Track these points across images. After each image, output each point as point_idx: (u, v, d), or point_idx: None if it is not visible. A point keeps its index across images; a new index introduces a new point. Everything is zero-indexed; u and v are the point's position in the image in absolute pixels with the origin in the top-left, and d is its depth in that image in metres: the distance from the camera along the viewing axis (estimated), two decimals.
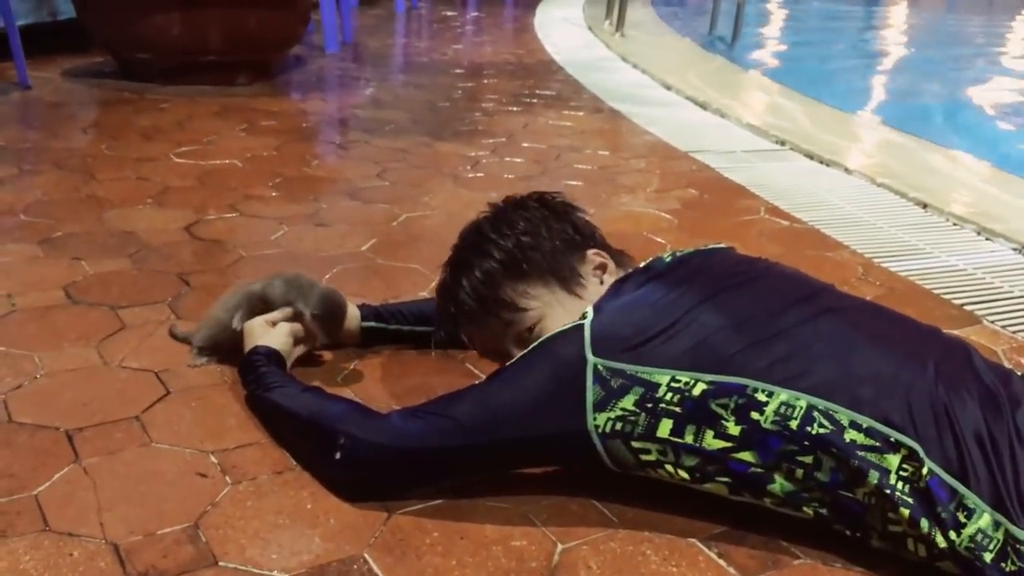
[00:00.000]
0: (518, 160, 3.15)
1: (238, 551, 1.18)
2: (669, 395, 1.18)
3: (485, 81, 4.69)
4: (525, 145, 3.36)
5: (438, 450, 1.26)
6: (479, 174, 2.97)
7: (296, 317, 1.61)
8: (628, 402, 1.20)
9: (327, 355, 1.72)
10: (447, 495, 1.31)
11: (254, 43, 4.26)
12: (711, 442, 1.18)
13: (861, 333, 1.23)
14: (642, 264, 1.42)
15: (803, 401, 1.15)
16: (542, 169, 3.05)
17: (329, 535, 1.22)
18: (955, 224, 2.58)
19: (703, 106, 4.08)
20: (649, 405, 1.19)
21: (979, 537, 1.08)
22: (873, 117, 4.52)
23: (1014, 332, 1.92)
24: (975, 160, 3.37)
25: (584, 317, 1.26)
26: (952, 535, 1.09)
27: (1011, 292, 2.13)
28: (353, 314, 1.73)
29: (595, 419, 1.21)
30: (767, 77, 5.11)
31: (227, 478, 1.33)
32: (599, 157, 3.21)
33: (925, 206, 2.70)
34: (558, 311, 1.38)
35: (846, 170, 3.07)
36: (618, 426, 1.21)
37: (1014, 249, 2.39)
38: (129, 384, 1.59)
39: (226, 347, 1.64)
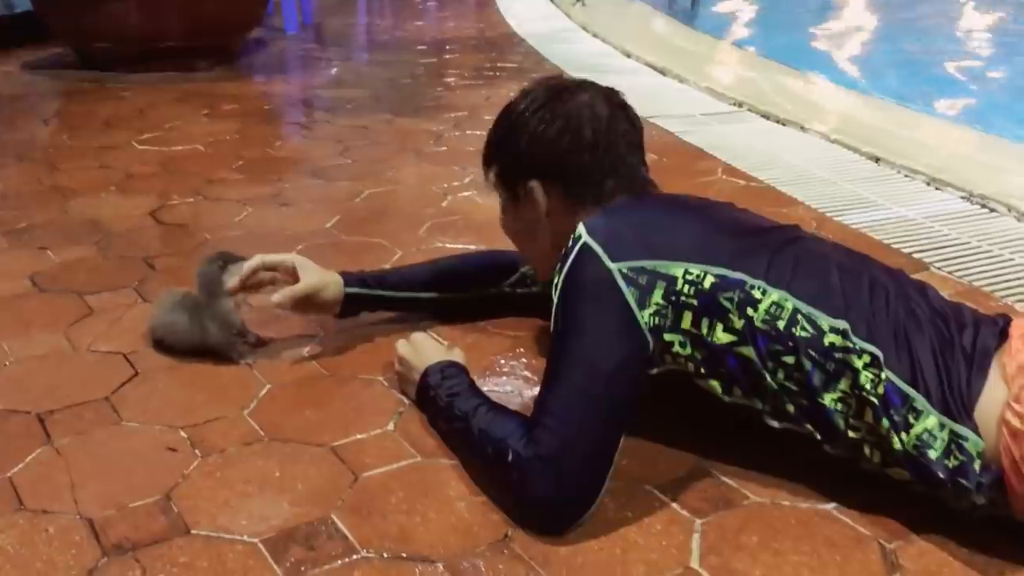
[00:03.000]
0: (480, 133, 3.16)
1: (209, 519, 1.22)
2: (686, 287, 1.24)
3: (447, 56, 4.71)
4: (487, 118, 3.36)
5: (577, 432, 1.22)
6: (441, 148, 3.00)
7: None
8: (658, 296, 1.24)
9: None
10: (411, 458, 1.36)
11: (213, 28, 4.26)
12: (720, 336, 1.24)
13: (833, 260, 1.30)
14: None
15: (790, 304, 1.22)
16: None
17: (297, 500, 1.26)
18: (906, 176, 2.64)
19: (663, 72, 4.11)
20: (673, 298, 1.24)
21: (925, 436, 1.14)
22: (830, 78, 4.56)
23: (960, 277, 1.98)
24: (927, 115, 3.45)
25: (578, 233, 1.29)
26: (903, 435, 1.15)
27: (958, 239, 2.20)
28: (335, 280, 1.71)
29: (643, 318, 1.24)
30: (727, 41, 5.14)
31: (196, 451, 1.37)
32: None
33: (877, 160, 2.76)
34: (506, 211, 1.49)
35: (802, 128, 3.12)
36: (656, 320, 1.25)
37: (962, 197, 2.45)
38: (98, 367, 1.62)
39: (168, 346, 1.67)
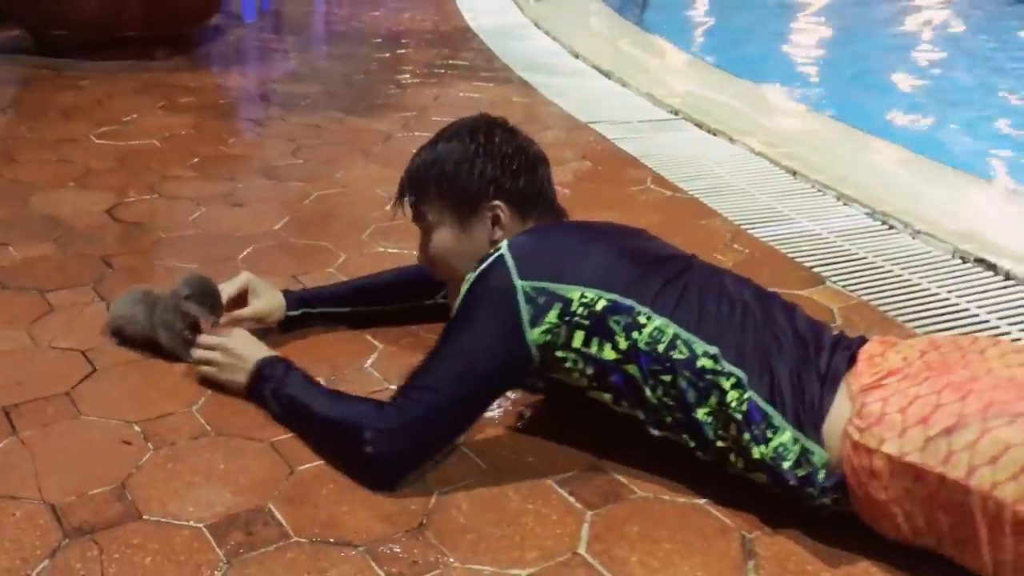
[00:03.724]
0: (428, 134, 3.31)
1: (160, 506, 1.38)
2: (580, 309, 1.42)
3: (401, 51, 4.84)
4: (435, 119, 3.53)
5: (436, 414, 1.44)
6: (390, 150, 3.15)
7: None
8: (553, 316, 1.42)
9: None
10: None
11: (172, 17, 4.35)
12: (607, 354, 1.42)
13: (713, 290, 1.48)
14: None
15: (671, 330, 1.40)
16: None
17: (239, 490, 1.43)
18: (819, 191, 2.84)
19: (607, 75, 4.29)
20: (567, 318, 1.42)
21: (780, 449, 1.34)
22: (775, 88, 4.74)
23: (851, 291, 2.19)
24: (855, 130, 3.62)
25: (499, 248, 1.47)
26: (762, 447, 1.34)
27: (856, 254, 2.40)
28: (279, 306, 1.87)
29: (532, 335, 1.43)
30: (674, 46, 5.31)
31: (149, 444, 1.53)
32: None
33: (795, 173, 2.96)
34: (446, 236, 1.61)
35: (730, 139, 3.31)
36: (547, 338, 1.43)
37: (866, 213, 2.66)
38: (59, 363, 1.77)
39: (127, 337, 1.81)
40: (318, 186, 2.76)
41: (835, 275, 2.28)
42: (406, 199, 1.67)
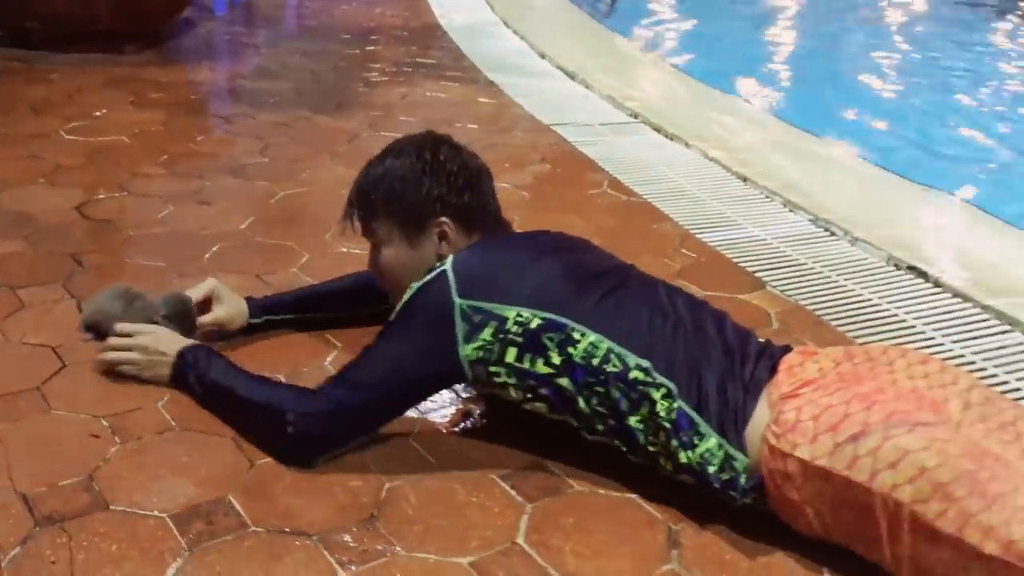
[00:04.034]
0: (394, 134, 3.39)
1: (126, 497, 1.48)
2: (515, 328, 1.52)
3: (370, 48, 4.90)
4: (401, 119, 3.62)
5: (360, 408, 1.57)
6: (355, 149, 3.23)
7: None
8: (487, 334, 1.53)
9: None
10: None
11: (143, 10, 4.39)
12: (541, 368, 1.52)
13: (648, 303, 1.58)
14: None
15: (604, 345, 1.50)
16: None
17: (201, 482, 1.52)
18: (767, 197, 2.96)
19: (572, 76, 4.39)
20: (501, 336, 1.52)
21: (706, 455, 1.45)
22: (732, 91, 4.77)
23: (789, 296, 2.31)
24: (805, 135, 3.74)
25: (443, 263, 1.56)
26: (689, 453, 1.45)
27: (797, 259, 2.52)
28: (241, 313, 1.95)
29: (465, 351, 1.53)
30: (640, 46, 5.40)
31: (116, 438, 1.62)
32: (468, 131, 3.50)
33: (745, 180, 3.08)
34: (394, 251, 1.70)
35: (686, 144, 3.42)
36: (480, 354, 1.54)
37: (810, 220, 2.78)
38: (30, 359, 1.85)
39: (103, 331, 1.88)
40: (284, 186, 2.84)
41: (776, 280, 2.40)
42: (355, 214, 1.75)
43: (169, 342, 1.77)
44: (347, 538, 1.42)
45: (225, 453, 1.60)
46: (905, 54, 6.47)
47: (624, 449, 1.53)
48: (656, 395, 1.47)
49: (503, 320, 1.51)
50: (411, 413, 1.71)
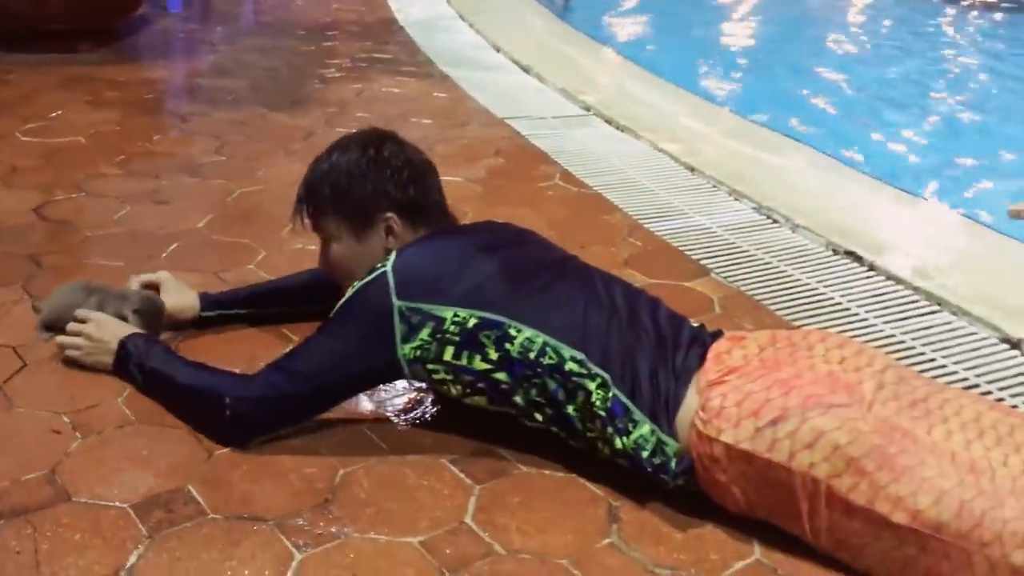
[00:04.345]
0: (349, 131, 3.45)
1: (88, 489, 1.53)
2: (452, 327, 1.59)
3: (326, 44, 4.94)
4: (357, 115, 3.68)
5: (296, 396, 1.64)
6: (310, 146, 3.28)
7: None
8: (425, 334, 1.59)
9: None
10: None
11: (98, 8, 4.40)
12: (478, 364, 1.59)
13: (585, 294, 1.66)
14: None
15: (540, 339, 1.57)
16: None
17: (160, 473, 1.58)
18: (714, 186, 3.06)
19: (526, 70, 4.46)
20: (439, 336, 1.59)
21: (640, 440, 1.53)
22: (692, 84, 4.81)
23: (731, 282, 2.40)
24: (753, 126, 3.83)
25: (385, 262, 1.62)
26: (624, 439, 1.53)
27: (740, 247, 2.62)
28: (192, 306, 2.01)
29: (403, 350, 1.60)
30: (595, 39, 5.47)
31: (77, 434, 1.67)
32: (422, 127, 3.57)
33: (693, 170, 3.17)
34: (343, 246, 1.76)
35: (636, 136, 3.51)
36: (418, 353, 1.60)
37: (754, 208, 2.88)
38: None
39: (61, 328, 1.92)
40: (241, 184, 2.89)
41: (719, 267, 2.49)
42: (304, 211, 1.81)
43: (114, 330, 1.83)
44: (302, 522, 1.48)
45: (183, 445, 1.65)
46: (860, 44, 6.59)
47: (563, 435, 1.61)
48: (591, 385, 1.54)
49: (441, 320, 1.58)
50: (364, 401, 1.79)
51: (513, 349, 1.57)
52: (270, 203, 2.74)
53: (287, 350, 1.69)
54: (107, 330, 1.84)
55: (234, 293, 2.10)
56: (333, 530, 1.47)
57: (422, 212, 1.76)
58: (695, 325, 1.71)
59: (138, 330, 1.85)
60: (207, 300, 2.04)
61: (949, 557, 1.35)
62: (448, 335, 1.58)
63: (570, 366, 1.55)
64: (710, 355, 1.59)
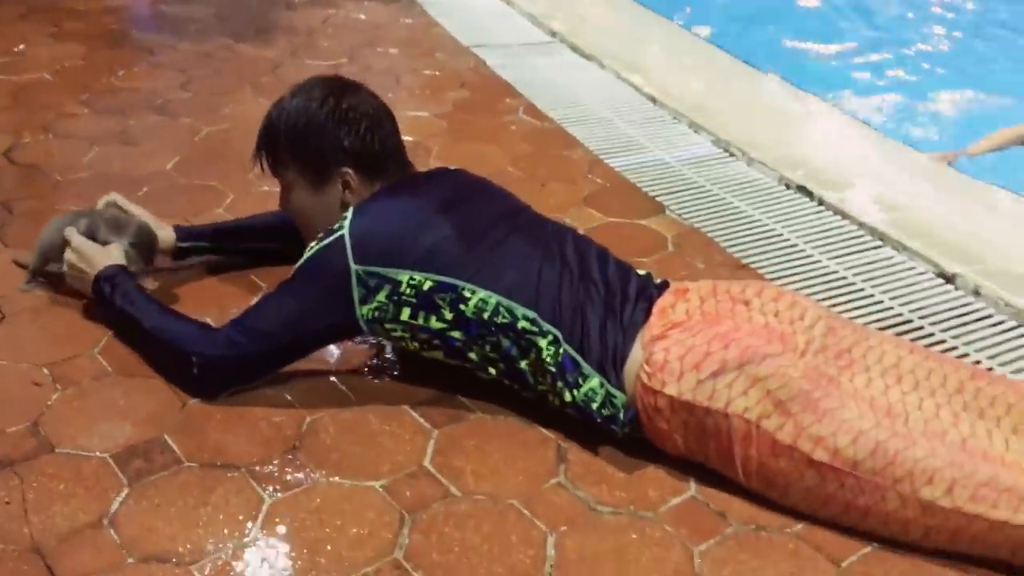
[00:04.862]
0: (316, 63, 3.48)
1: (70, 440, 1.63)
2: (408, 290, 1.67)
3: None
4: (324, 44, 3.68)
5: (260, 353, 1.73)
6: (278, 80, 3.30)
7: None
8: (382, 296, 1.68)
9: None
10: None
11: None
12: (434, 324, 1.69)
13: (537, 250, 1.73)
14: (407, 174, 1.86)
15: (494, 300, 1.66)
16: (334, 73, 3.40)
17: (137, 424, 1.68)
18: (675, 119, 3.11)
19: None
20: (395, 298, 1.67)
21: (590, 393, 1.63)
22: (654, 9, 4.62)
23: (686, 219, 2.49)
24: (722, 53, 3.80)
25: (343, 224, 1.68)
26: (574, 392, 1.64)
27: (696, 182, 2.69)
28: (167, 235, 2.08)
29: (361, 311, 1.69)
30: None
31: (57, 385, 1.77)
32: (389, 57, 3.58)
33: (655, 101, 3.22)
34: (301, 195, 1.83)
35: (601, 65, 3.54)
36: (376, 314, 1.69)
37: (712, 141, 2.95)
38: None
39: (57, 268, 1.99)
40: (207, 121, 2.92)
41: (675, 204, 2.57)
42: (263, 157, 1.86)
43: (92, 259, 1.89)
44: (271, 468, 1.60)
45: (158, 395, 1.75)
46: None
47: (516, 387, 1.72)
48: (542, 343, 1.64)
49: (397, 284, 1.66)
50: (332, 349, 1.88)
51: (467, 310, 1.66)
52: (237, 142, 2.77)
53: (250, 305, 1.77)
54: (86, 258, 1.89)
55: (207, 227, 2.17)
56: (300, 476, 1.59)
57: (379, 165, 1.81)
58: (642, 275, 1.80)
59: (115, 261, 1.89)
60: (181, 232, 2.10)
61: (864, 492, 1.48)
62: (404, 297, 1.67)
63: (522, 324, 1.65)
64: (655, 310, 1.68)
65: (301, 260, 1.72)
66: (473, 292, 1.66)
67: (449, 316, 1.67)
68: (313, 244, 1.71)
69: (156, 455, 1.62)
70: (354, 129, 1.79)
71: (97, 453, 1.61)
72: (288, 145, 1.82)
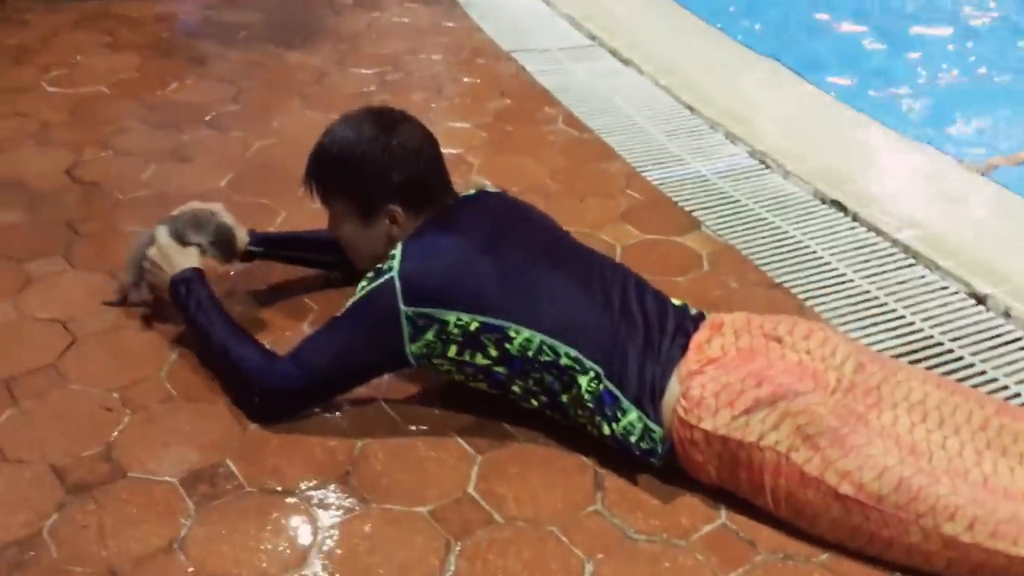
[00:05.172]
0: (360, 71, 3.57)
1: (140, 465, 1.76)
2: (455, 330, 1.76)
3: None
4: (368, 52, 3.77)
5: (314, 387, 1.84)
6: (324, 91, 3.40)
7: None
8: (430, 335, 1.77)
9: None
10: None
11: None
12: (479, 360, 1.78)
13: (580, 288, 1.81)
14: (451, 202, 1.93)
15: (538, 338, 1.75)
16: (379, 81, 3.50)
17: (201, 448, 1.80)
18: (712, 128, 3.16)
19: None
20: (443, 336, 1.77)
21: (628, 427, 1.72)
22: (690, 11, 4.54)
23: (721, 235, 2.55)
24: (763, 59, 3.79)
25: (392, 264, 1.76)
26: (613, 425, 1.72)
27: (732, 196, 2.75)
28: (242, 238, 2.15)
29: (410, 348, 1.79)
30: None
31: (126, 410, 1.89)
32: (431, 64, 3.66)
33: (692, 109, 3.27)
34: (349, 227, 1.92)
35: (640, 71, 3.59)
36: (424, 350, 1.79)
37: (748, 153, 2.99)
38: (43, 334, 2.09)
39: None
40: (257, 134, 3.03)
41: (711, 219, 2.63)
42: (313, 185, 1.94)
43: (173, 261, 1.99)
44: (326, 494, 1.71)
45: (220, 420, 1.87)
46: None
47: (557, 417, 1.81)
48: (583, 380, 1.72)
49: (444, 324, 1.75)
50: (383, 376, 1.97)
51: (512, 348, 1.74)
52: (286, 158, 2.86)
53: (305, 338, 1.87)
54: (167, 258, 2.00)
55: (275, 235, 2.27)
56: (353, 501, 1.70)
57: (425, 199, 1.88)
58: (678, 305, 1.88)
59: (194, 264, 1.99)
60: (255, 236, 2.20)
61: (888, 525, 1.56)
62: (451, 336, 1.76)
63: (565, 362, 1.73)
64: (691, 345, 1.76)
65: (353, 298, 1.81)
66: (518, 332, 1.74)
67: (494, 353, 1.76)
68: (364, 284, 1.80)
69: (220, 480, 1.73)
70: (402, 167, 1.85)
71: (166, 478, 1.73)
72: (337, 179, 1.90)
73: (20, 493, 1.68)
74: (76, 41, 3.75)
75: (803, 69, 3.74)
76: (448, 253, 1.81)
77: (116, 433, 1.83)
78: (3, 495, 1.68)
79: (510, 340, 1.74)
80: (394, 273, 1.76)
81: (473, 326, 1.75)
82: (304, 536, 1.63)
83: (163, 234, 2.03)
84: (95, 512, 1.65)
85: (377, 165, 1.85)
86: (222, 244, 2.08)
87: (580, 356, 1.73)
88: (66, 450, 1.78)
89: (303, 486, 1.72)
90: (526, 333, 1.74)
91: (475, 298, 1.75)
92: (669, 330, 1.80)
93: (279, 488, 1.72)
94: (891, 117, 3.43)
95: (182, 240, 2.04)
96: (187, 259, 2.01)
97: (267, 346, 1.94)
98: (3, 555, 1.56)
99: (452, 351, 1.78)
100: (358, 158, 1.86)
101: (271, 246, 2.24)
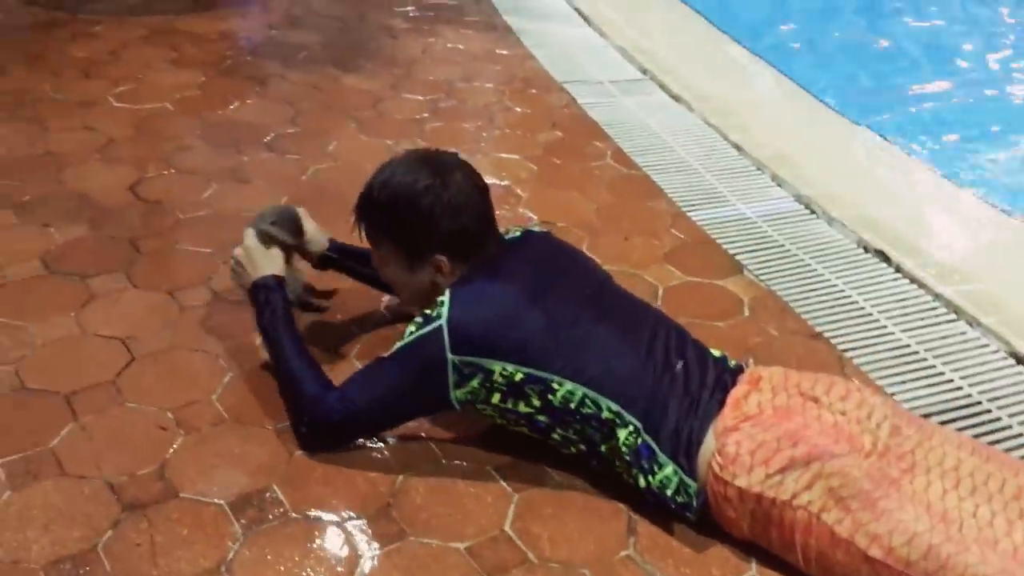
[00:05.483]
0: (415, 97, 3.66)
1: (191, 485, 1.83)
2: (500, 379, 1.82)
3: None
4: (422, 78, 3.85)
5: (359, 423, 1.90)
6: (379, 116, 3.48)
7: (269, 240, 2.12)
8: (475, 382, 1.83)
9: None
10: None
11: None
12: (522, 408, 1.84)
13: (623, 341, 1.85)
14: (504, 237, 1.98)
15: (580, 391, 1.79)
16: (432, 108, 3.58)
17: (249, 472, 1.87)
18: (758, 169, 3.19)
19: (587, 21, 4.54)
20: (487, 384, 1.82)
21: (664, 480, 1.76)
22: (744, 42, 4.59)
23: (763, 280, 2.58)
24: (814, 101, 3.81)
25: (439, 310, 1.81)
26: (649, 477, 1.77)
27: (776, 240, 2.78)
28: (321, 240, 2.22)
29: (455, 394, 1.84)
30: None
31: (180, 430, 1.97)
32: (483, 92, 3.73)
33: (739, 149, 3.30)
34: (394, 270, 1.97)
35: (689, 108, 3.63)
36: (468, 396, 1.85)
37: (794, 197, 3.02)
38: (103, 351, 2.18)
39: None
40: (313, 158, 3.12)
41: (754, 263, 2.67)
42: (361, 224, 1.98)
43: (256, 264, 2.06)
44: (367, 524, 1.77)
45: (268, 445, 1.94)
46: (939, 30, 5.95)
47: (594, 463, 1.86)
48: (622, 433, 1.77)
49: (490, 373, 1.81)
50: None
51: (555, 399, 1.80)
52: (340, 183, 2.95)
53: (354, 376, 1.92)
54: (252, 260, 2.07)
55: (356, 248, 2.24)
56: (393, 532, 1.76)
57: (473, 248, 1.91)
58: (717, 356, 1.92)
59: (276, 271, 2.06)
60: (333, 244, 2.25)
61: None
62: (496, 384, 1.81)
63: (607, 415, 1.78)
64: (729, 400, 1.80)
65: (401, 341, 1.86)
66: (561, 384, 1.79)
67: (537, 403, 1.81)
68: (412, 328, 1.85)
69: (267, 504, 1.80)
70: (452, 221, 1.87)
71: (216, 500, 1.80)
72: (385, 222, 1.93)
73: (78, 508, 1.76)
74: (144, 56, 3.87)
75: (858, 115, 3.74)
76: (496, 302, 1.84)
77: (170, 453, 1.90)
78: (62, 509, 1.76)
79: (553, 392, 1.79)
80: (443, 321, 1.81)
81: (518, 376, 1.80)
82: (345, 565, 1.69)
83: (250, 236, 2.11)
84: (147, 531, 1.73)
85: (427, 216, 1.87)
86: (283, 222, 2.13)
87: (622, 410, 1.77)
88: (122, 467, 1.86)
89: (345, 515, 1.79)
90: (569, 385, 1.79)
91: (521, 350, 1.79)
92: (709, 384, 1.84)
93: (322, 516, 1.78)
94: (945, 165, 3.42)
95: (266, 236, 2.10)
96: (270, 263, 2.07)
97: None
98: (59, 569, 1.64)
99: (496, 399, 1.83)
100: (409, 207, 1.87)
101: (346, 256, 2.28)
